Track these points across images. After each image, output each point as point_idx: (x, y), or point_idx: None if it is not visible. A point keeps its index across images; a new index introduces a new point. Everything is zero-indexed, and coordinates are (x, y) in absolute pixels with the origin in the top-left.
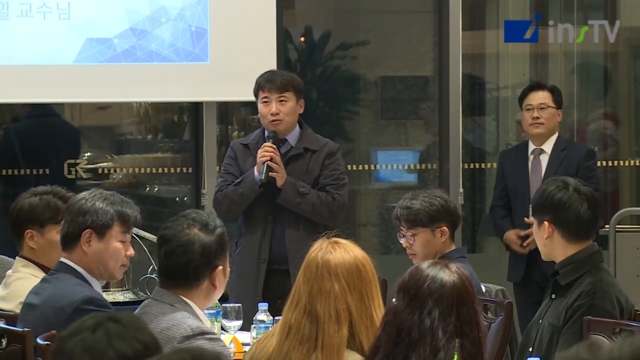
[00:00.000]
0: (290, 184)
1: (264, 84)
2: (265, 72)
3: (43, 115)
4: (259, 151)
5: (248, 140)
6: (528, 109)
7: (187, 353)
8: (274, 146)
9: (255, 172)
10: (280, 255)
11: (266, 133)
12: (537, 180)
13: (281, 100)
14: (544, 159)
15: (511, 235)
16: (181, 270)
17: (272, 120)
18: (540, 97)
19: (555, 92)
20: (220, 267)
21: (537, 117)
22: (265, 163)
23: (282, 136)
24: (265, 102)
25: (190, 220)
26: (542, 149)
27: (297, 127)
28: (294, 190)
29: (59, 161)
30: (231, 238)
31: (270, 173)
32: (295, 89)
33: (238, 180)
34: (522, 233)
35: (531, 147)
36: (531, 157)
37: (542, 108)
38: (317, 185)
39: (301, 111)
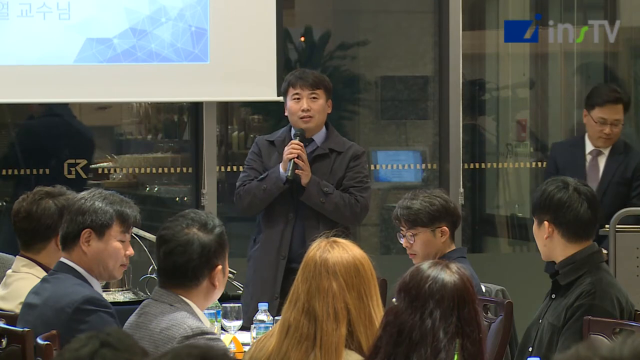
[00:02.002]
0: (314, 183)
1: (295, 81)
2: (296, 71)
3: (54, 115)
4: (286, 148)
5: (274, 137)
6: (601, 122)
7: (196, 348)
8: (301, 144)
9: (281, 169)
10: (299, 254)
11: (293, 131)
12: (593, 182)
13: (313, 97)
14: (602, 160)
15: None
16: (180, 270)
17: (303, 117)
18: (616, 112)
19: (626, 104)
20: (220, 267)
21: (609, 134)
22: (292, 160)
23: (310, 135)
24: (297, 98)
25: (189, 220)
26: (600, 150)
27: (324, 128)
28: (318, 189)
29: (59, 161)
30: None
31: (296, 170)
32: (326, 88)
33: (262, 176)
34: None
35: (589, 146)
36: (589, 157)
37: (615, 124)
38: (341, 187)
39: (329, 111)
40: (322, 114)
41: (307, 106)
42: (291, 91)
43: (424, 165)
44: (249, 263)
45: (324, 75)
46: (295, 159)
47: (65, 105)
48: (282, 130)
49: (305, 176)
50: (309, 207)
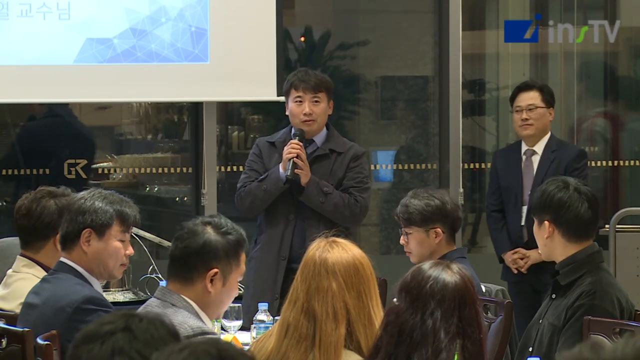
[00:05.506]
0: (314, 183)
1: (298, 83)
2: (298, 71)
3: (57, 116)
4: (285, 148)
5: (275, 138)
6: (517, 111)
7: (214, 347)
8: (300, 144)
9: (281, 169)
10: (300, 254)
11: (293, 131)
12: (529, 181)
13: (315, 101)
14: (536, 160)
15: (508, 258)
16: (180, 257)
17: (305, 121)
18: (528, 97)
19: (544, 91)
20: (216, 271)
21: (526, 119)
22: (292, 160)
23: (310, 136)
24: (299, 101)
25: (208, 219)
26: (534, 150)
27: (325, 129)
28: (317, 189)
29: (59, 161)
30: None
31: (295, 170)
32: (327, 90)
33: (262, 177)
34: (517, 257)
35: (524, 147)
36: (523, 158)
37: (530, 109)
38: (341, 187)
39: (330, 112)
40: (323, 116)
41: (309, 110)
42: (293, 93)
43: (423, 166)
44: (249, 264)
45: (325, 75)
46: (295, 159)
47: (65, 106)
48: (282, 132)
49: (304, 176)
50: (310, 207)
